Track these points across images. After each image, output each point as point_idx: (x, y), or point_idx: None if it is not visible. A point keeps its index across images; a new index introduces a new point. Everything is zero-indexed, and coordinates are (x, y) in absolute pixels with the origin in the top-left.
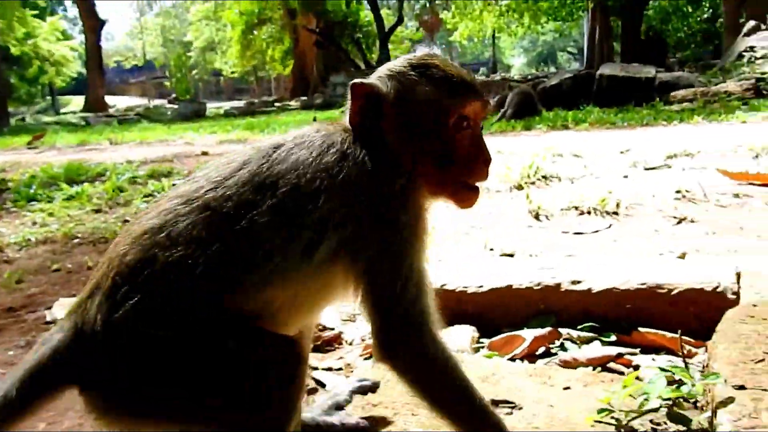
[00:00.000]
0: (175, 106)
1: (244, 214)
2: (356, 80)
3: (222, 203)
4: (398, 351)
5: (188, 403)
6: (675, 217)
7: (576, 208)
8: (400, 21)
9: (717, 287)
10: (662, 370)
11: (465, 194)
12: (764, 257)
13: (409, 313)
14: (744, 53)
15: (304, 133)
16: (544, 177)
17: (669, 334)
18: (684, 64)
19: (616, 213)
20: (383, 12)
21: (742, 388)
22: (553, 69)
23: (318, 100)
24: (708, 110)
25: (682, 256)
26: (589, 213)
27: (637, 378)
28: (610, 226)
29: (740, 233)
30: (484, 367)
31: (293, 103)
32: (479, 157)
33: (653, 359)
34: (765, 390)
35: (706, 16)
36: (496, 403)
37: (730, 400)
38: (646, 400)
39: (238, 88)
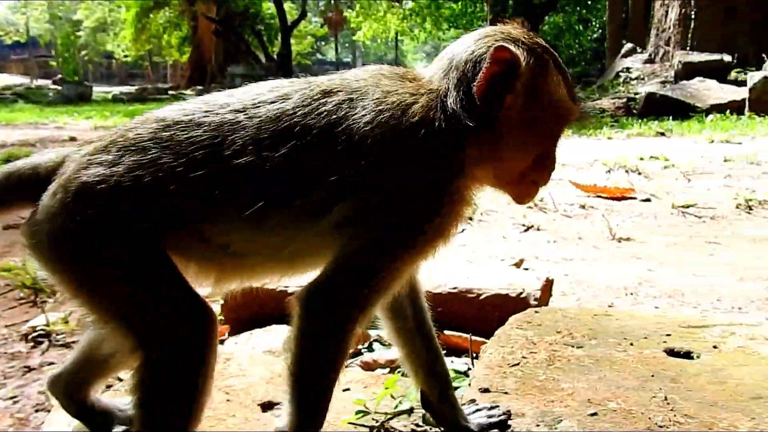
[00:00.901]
0: (59, 88)
1: (257, 149)
2: (500, 43)
3: (242, 130)
4: (320, 309)
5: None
6: (524, 225)
7: None
8: (303, 16)
9: (521, 293)
10: (455, 371)
11: (533, 190)
12: (594, 265)
13: (358, 297)
14: (621, 73)
15: (368, 83)
16: None
17: (476, 337)
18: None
19: (471, 219)
20: (287, 5)
21: (486, 390)
22: None
23: (215, 91)
24: (580, 126)
25: (519, 263)
26: None
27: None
28: (462, 231)
29: (578, 242)
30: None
31: (189, 92)
32: (554, 161)
33: (452, 361)
34: (506, 393)
35: (595, 35)
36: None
37: (472, 402)
38: (400, 402)
39: (131, 72)
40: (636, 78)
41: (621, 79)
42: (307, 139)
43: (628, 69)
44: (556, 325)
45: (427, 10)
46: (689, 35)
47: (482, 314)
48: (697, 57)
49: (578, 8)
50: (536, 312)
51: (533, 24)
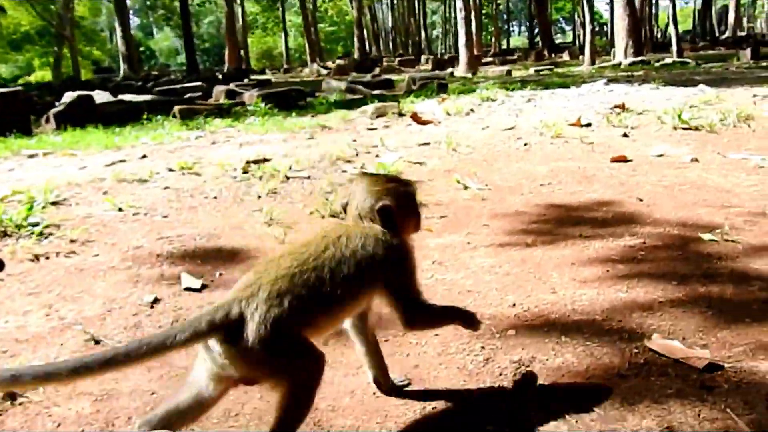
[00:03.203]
0: None
1: (327, 277)
2: (383, 203)
3: (319, 268)
4: (416, 322)
5: (280, 372)
6: None
7: None
8: None
9: None
10: None
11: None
12: None
13: (418, 303)
14: None
15: (350, 232)
16: None
17: None
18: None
19: None
20: None
21: None
22: None
23: None
24: None
25: None
26: None
27: None
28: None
29: None
30: None
31: None
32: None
33: None
34: None
35: None
36: None
37: None
38: None
39: None
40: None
41: None
42: (348, 261)
43: None
44: None
45: None
46: None
47: None
48: None
49: None
50: None
51: None
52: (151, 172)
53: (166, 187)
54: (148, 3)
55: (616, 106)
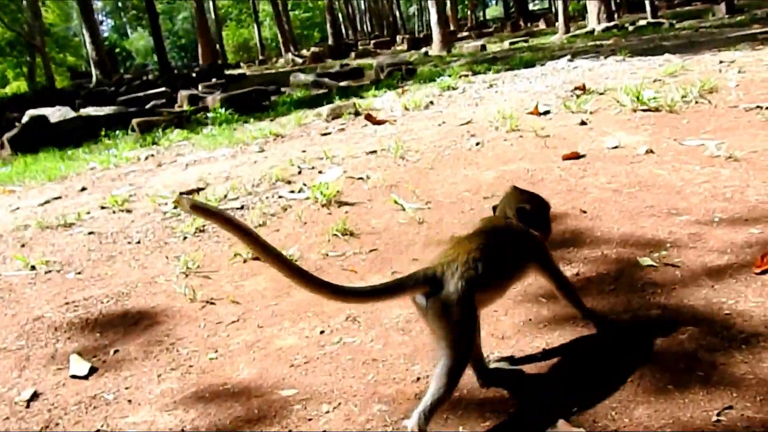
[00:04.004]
0: None
1: (498, 252)
2: (521, 205)
3: (489, 250)
4: (563, 287)
5: (459, 332)
6: None
7: None
8: None
9: None
10: None
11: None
12: None
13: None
14: None
15: (507, 224)
16: None
17: None
18: None
19: None
20: None
21: None
22: None
23: None
24: None
25: None
26: None
27: None
28: None
29: None
30: None
31: None
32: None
33: None
34: None
35: None
36: None
37: None
38: None
39: None
40: None
41: None
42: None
43: None
44: None
45: None
46: None
47: None
48: None
49: None
50: None
51: None
52: (80, 214)
53: (91, 233)
54: (119, 4)
55: (576, 88)
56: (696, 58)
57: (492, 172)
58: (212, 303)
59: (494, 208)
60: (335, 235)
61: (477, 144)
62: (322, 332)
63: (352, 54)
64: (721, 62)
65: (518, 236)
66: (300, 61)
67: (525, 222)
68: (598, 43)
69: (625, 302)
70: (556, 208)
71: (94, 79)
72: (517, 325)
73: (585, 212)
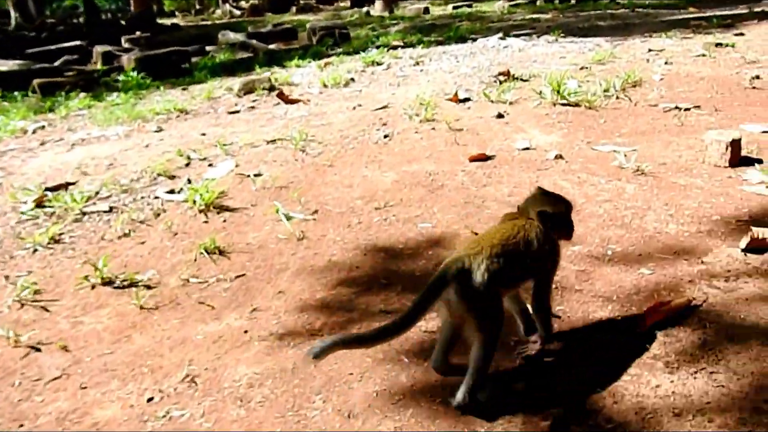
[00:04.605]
0: None
1: (515, 254)
2: (543, 208)
3: (510, 249)
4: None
5: (487, 317)
6: None
7: None
8: None
9: None
10: None
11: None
12: None
13: (547, 296)
14: None
15: (528, 224)
16: None
17: None
18: None
19: None
20: None
21: None
22: None
23: None
24: None
25: None
26: None
27: None
28: None
29: None
30: None
31: None
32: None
33: None
34: None
35: None
36: None
37: None
38: None
39: None
40: None
41: None
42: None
43: None
44: None
45: None
46: None
47: None
48: None
49: None
50: None
51: None
52: None
53: None
54: None
55: (500, 74)
56: (627, 43)
57: (393, 173)
58: (38, 349)
59: (519, 207)
60: (203, 253)
61: (385, 137)
62: (150, 399)
63: (293, 8)
64: (650, 50)
65: (537, 240)
66: (238, 13)
67: (546, 225)
68: (536, 16)
69: (494, 366)
70: (448, 226)
71: (12, 21)
72: (368, 397)
73: (476, 234)
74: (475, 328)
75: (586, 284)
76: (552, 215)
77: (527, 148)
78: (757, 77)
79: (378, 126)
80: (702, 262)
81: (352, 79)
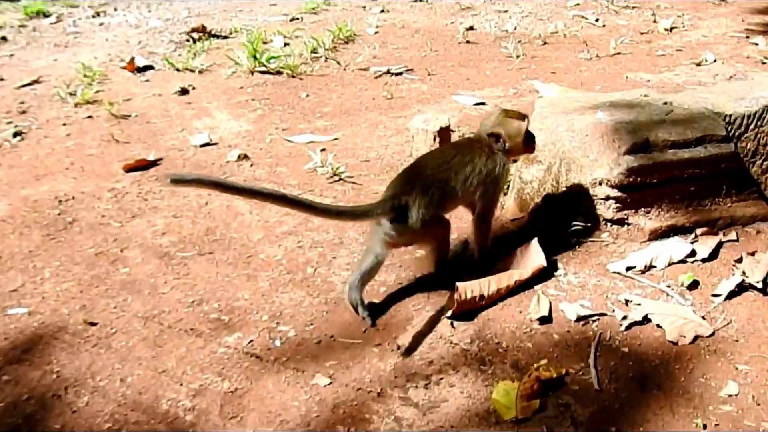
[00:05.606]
0: None
1: (450, 177)
2: (494, 131)
3: (450, 170)
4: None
5: (430, 237)
6: None
7: None
8: None
9: None
10: None
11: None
12: None
13: (488, 217)
14: None
15: (474, 146)
16: None
17: None
18: None
19: None
20: None
21: None
22: None
23: None
24: None
25: None
26: None
27: None
28: None
29: None
30: None
31: None
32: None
33: None
34: None
35: None
36: None
37: None
38: None
39: None
40: None
41: None
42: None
43: None
44: None
45: None
46: None
47: None
48: None
49: None
50: None
51: None
52: None
53: None
54: None
55: (194, 30)
56: None
57: (4, 203)
58: None
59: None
60: None
61: (15, 136)
62: None
63: None
64: None
65: (477, 159)
66: None
67: (497, 144)
68: None
69: None
70: (56, 310)
71: None
72: None
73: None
74: (423, 246)
75: (228, 407)
76: (502, 136)
77: (207, 144)
78: (471, 28)
79: (13, 116)
80: (397, 348)
81: (4, 38)
